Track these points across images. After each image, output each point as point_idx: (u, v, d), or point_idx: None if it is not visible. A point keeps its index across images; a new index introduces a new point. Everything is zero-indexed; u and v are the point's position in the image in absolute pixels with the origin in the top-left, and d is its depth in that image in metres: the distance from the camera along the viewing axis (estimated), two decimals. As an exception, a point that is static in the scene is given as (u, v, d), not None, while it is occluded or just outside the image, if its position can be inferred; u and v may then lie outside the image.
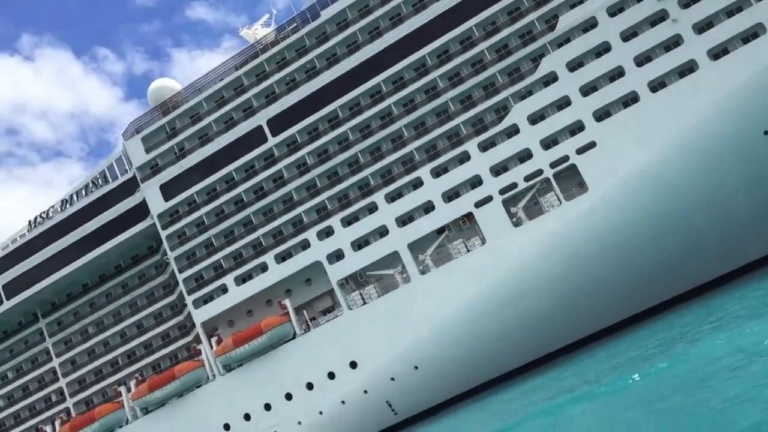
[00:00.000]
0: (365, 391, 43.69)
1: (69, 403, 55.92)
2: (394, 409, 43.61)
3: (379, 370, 43.37)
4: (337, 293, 45.92)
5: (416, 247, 44.11)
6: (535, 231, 40.58)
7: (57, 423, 53.95)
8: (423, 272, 43.57)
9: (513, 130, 42.49)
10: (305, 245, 47.29)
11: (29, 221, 57.47)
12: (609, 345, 37.19)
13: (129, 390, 51.68)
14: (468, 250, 42.37)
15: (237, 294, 48.61)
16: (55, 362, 56.88)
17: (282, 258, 47.98)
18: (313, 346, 45.49)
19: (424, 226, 43.97)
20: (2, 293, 56.18)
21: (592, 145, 40.25)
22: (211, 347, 48.97)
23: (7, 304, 56.10)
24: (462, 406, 41.77)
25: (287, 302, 47.36)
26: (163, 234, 51.32)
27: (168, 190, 51.07)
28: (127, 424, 50.62)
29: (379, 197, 45.23)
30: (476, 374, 42.60)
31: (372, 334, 43.69)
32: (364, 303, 44.77)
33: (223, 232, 50.16)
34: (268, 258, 48.01)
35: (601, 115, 40.63)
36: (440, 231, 44.12)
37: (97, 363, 55.54)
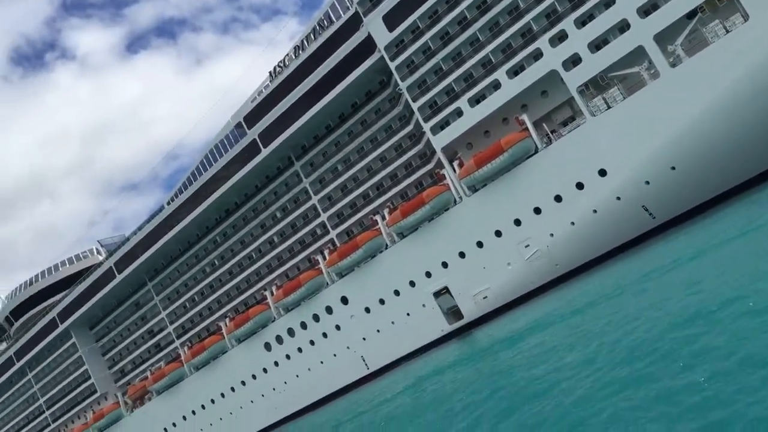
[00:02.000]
0: (618, 198, 42.16)
1: (332, 234, 61.28)
2: (652, 213, 41.73)
3: (631, 174, 41.31)
4: (578, 101, 43.61)
5: (663, 37, 39.80)
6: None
7: (326, 252, 59.56)
8: (673, 65, 39.50)
9: None
10: (537, 55, 44.96)
11: (269, 72, 61.09)
12: None
13: (384, 218, 55.06)
14: (727, 32, 37.34)
15: (472, 115, 48.27)
16: (314, 200, 62.04)
17: (514, 72, 46.25)
18: (557, 159, 44.32)
19: (671, 11, 39.30)
20: (259, 142, 61.31)
21: None
22: (454, 171, 49.90)
23: (265, 152, 61.28)
24: (727, 205, 38.68)
25: (525, 117, 46.13)
26: (392, 66, 51.74)
27: (391, 19, 50.77)
28: (386, 248, 54.38)
29: (615, -11, 40.96)
30: (741, 171, 38.87)
31: (620, 138, 41.31)
32: (609, 107, 42.11)
33: (451, 54, 49.31)
34: (500, 74, 46.55)
35: None
36: (691, 15, 39.19)
37: (350, 197, 59.68)
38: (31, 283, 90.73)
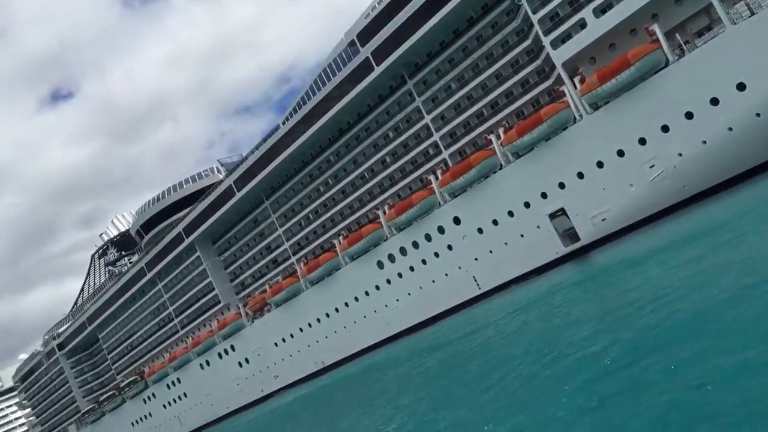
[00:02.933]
0: (758, 115, 38.81)
1: (445, 154, 60.52)
2: (796, 131, 38.23)
3: (774, 89, 37.78)
4: (716, 7, 39.92)
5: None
6: None
7: (438, 172, 59.00)
8: (834, -37, 35.19)
9: None
10: (672, -42, 41.29)
11: (383, -13, 59.63)
12: None
13: (498, 138, 53.62)
14: None
15: (597, 27, 45.37)
16: (427, 119, 61.18)
17: (645, -22, 42.79)
18: (689, 72, 41.09)
19: None
20: (372, 60, 60.61)
21: None
22: (575, 87, 47.47)
23: (378, 70, 60.57)
24: None
25: (655, 28, 42.81)
26: (511, -24, 49.18)
27: (511, -75, 47.93)
28: (500, 168, 53.17)
29: None
30: None
31: (765, 48, 37.63)
32: (752, 14, 38.30)
33: (575, -39, 46.21)
34: (629, -19, 43.21)
35: None
36: None
37: (464, 116, 58.40)
38: (158, 199, 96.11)
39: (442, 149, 60.66)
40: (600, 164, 46.39)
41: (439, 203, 58.59)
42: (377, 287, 65.56)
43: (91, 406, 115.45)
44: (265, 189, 79.51)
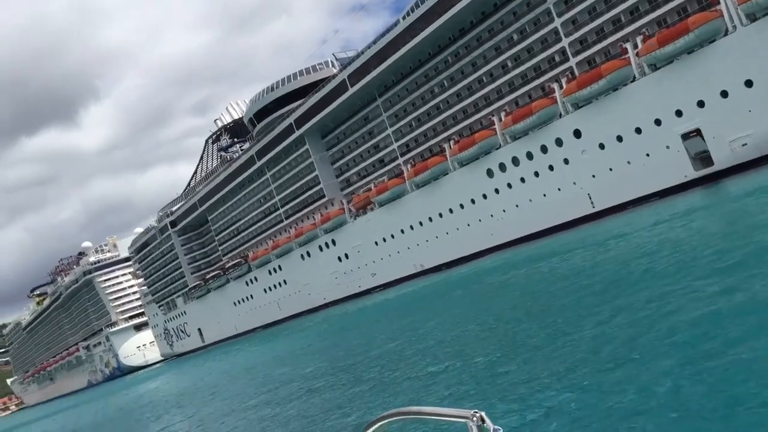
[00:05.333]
0: None
1: (572, 62, 56.85)
2: None
3: None
4: None
5: None
6: None
7: (563, 81, 55.69)
8: None
9: None
10: None
11: None
12: None
13: (635, 46, 49.50)
14: None
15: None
16: (557, 22, 57.29)
17: None
18: None
19: None
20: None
21: None
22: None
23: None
24: None
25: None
26: None
27: None
28: (633, 81, 49.42)
29: None
30: None
31: None
32: None
33: None
34: None
35: None
36: None
37: (597, 22, 54.22)
38: (272, 89, 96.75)
39: (570, 56, 56.95)
40: (749, 83, 42.10)
41: (560, 114, 55.59)
42: (484, 196, 64.04)
43: (198, 282, 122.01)
44: (378, 86, 78.13)
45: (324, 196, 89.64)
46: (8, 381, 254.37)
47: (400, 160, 77.76)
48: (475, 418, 2.23)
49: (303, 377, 28.13)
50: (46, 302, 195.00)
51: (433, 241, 71.86)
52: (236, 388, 35.13)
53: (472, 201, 65.62)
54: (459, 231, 68.06)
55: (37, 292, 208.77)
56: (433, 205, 70.59)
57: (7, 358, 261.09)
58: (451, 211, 68.66)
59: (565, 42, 57.02)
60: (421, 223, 73.08)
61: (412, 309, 42.63)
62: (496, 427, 2.27)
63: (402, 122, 76.89)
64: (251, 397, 28.86)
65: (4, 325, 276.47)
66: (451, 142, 68.43)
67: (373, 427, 2.37)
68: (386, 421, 2.44)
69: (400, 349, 25.71)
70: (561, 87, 55.65)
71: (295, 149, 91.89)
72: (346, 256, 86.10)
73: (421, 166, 71.31)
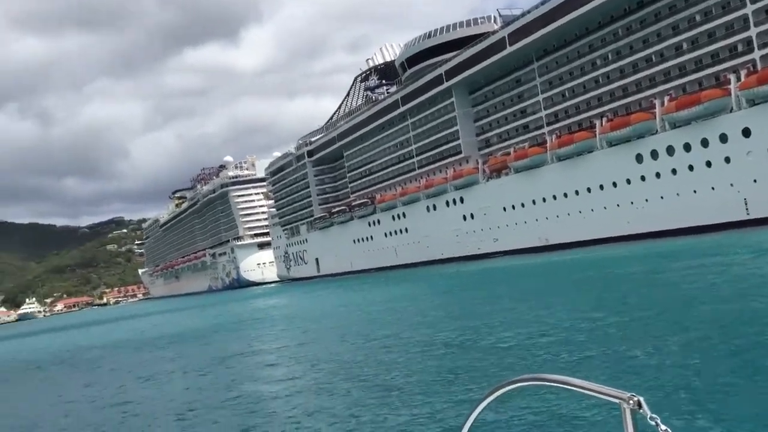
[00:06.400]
0: None
1: (756, 54, 52.10)
2: None
3: None
4: None
5: None
6: None
7: (742, 73, 51.22)
8: None
9: None
10: None
11: None
12: None
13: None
14: None
15: None
16: (748, 8, 52.43)
17: None
18: None
19: None
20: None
21: None
22: None
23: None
24: None
25: None
26: None
27: None
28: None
29: None
30: None
31: None
32: None
33: None
34: None
35: None
36: None
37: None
38: (428, 36, 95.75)
39: (755, 47, 52.14)
40: None
41: (731, 108, 51.37)
42: (628, 181, 60.84)
43: (323, 214, 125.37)
44: (537, 50, 75.30)
45: (460, 153, 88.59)
46: (140, 271, 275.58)
47: (545, 129, 75.17)
48: (631, 402, 2.01)
49: (428, 326, 27.54)
50: (184, 205, 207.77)
51: (564, 217, 69.50)
52: (357, 322, 35.08)
53: (614, 184, 62.56)
54: (593, 212, 65.34)
55: (178, 194, 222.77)
56: (572, 181, 67.98)
57: (142, 250, 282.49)
58: (589, 190, 65.89)
59: (753, 32, 52.20)
60: (554, 197, 70.75)
61: (544, 282, 40.84)
62: (653, 415, 2.02)
63: (555, 90, 74.00)
64: (374, 331, 28.57)
65: (144, 220, 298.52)
66: (603, 119, 65.19)
67: (511, 387, 2.23)
68: (527, 384, 2.28)
69: (540, 317, 24.35)
70: (738, 79, 51.25)
71: (440, 101, 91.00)
72: (472, 216, 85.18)
73: (567, 138, 68.61)
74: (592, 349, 17.27)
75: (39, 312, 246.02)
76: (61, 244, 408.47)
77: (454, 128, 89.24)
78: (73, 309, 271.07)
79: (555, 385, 2.22)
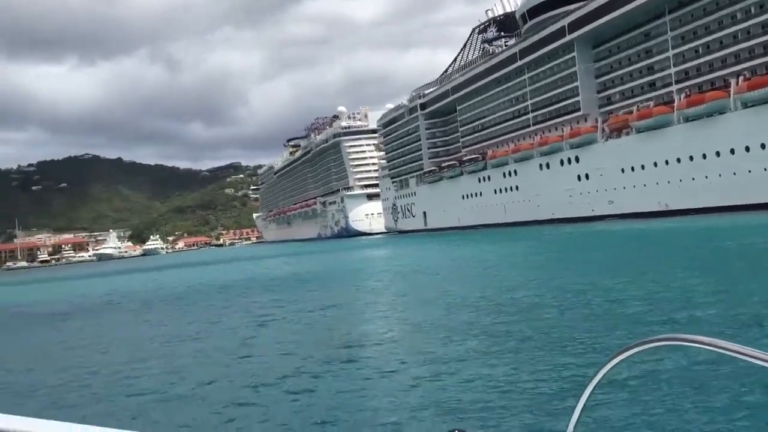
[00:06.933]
0: None
1: None
2: None
3: None
4: None
5: None
6: None
7: None
8: None
9: None
10: None
11: None
12: None
13: None
14: None
15: None
16: None
17: None
18: None
19: None
20: None
21: None
22: None
23: None
24: None
25: None
26: None
27: None
28: None
29: None
30: None
31: None
32: None
33: None
34: None
35: None
36: None
37: None
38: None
39: None
40: None
41: None
42: (763, 146, 56.41)
43: (433, 168, 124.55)
44: (672, 1, 70.31)
45: (579, 110, 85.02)
46: (254, 215, 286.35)
47: (674, 87, 70.58)
48: None
49: (549, 287, 26.04)
50: (298, 154, 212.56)
51: (687, 182, 65.55)
52: (471, 278, 34.09)
53: (746, 149, 58.13)
54: (722, 178, 61.14)
55: (292, 143, 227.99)
56: (700, 143, 63.74)
57: (256, 195, 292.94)
58: (718, 154, 61.62)
59: None
60: (679, 160, 66.74)
61: (680, 248, 37.17)
62: None
63: (687, 46, 69.09)
64: (499, 287, 27.63)
65: (260, 166, 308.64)
66: (740, 78, 60.36)
67: (657, 344, 1.96)
68: (676, 342, 2.00)
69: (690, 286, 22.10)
70: None
71: (561, 55, 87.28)
72: (587, 176, 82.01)
73: (697, 98, 64.17)
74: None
75: (162, 249, 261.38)
76: (184, 186, 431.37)
77: (574, 84, 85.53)
78: (193, 248, 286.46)
79: (705, 347, 1.83)
